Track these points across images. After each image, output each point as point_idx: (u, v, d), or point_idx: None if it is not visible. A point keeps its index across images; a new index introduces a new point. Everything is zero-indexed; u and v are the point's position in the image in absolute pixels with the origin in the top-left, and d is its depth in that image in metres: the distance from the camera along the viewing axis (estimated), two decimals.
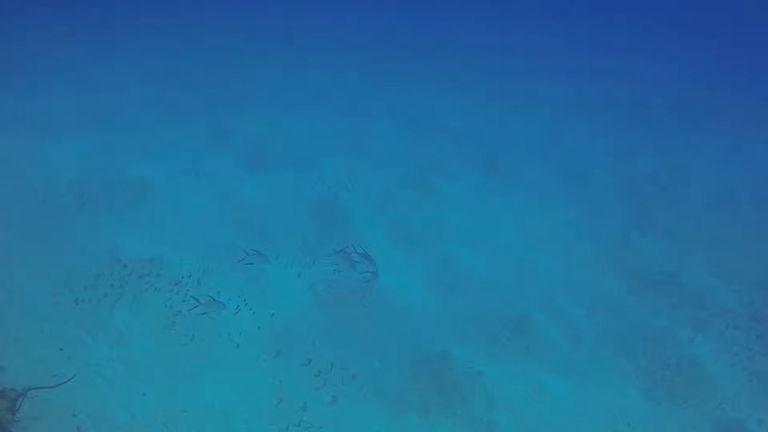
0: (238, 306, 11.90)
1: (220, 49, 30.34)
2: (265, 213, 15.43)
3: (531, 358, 11.57)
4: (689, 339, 12.80)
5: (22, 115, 19.02)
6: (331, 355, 11.06)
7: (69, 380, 9.07)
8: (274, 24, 38.27)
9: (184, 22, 35.72)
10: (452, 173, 18.99)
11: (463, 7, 48.21)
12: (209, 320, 11.32)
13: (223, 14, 39.15)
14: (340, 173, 18.03)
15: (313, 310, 12.27)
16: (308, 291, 12.81)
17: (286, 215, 15.50)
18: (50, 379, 9.16)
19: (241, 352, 10.89)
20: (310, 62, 29.60)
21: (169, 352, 10.59)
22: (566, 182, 19.93)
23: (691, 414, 10.95)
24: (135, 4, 37.62)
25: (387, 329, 11.87)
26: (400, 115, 23.75)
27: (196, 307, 11.30)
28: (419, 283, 13.48)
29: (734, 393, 11.60)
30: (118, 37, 30.78)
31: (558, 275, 14.53)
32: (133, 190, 15.37)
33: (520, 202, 17.90)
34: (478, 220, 16.46)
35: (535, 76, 32.90)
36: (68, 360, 9.74)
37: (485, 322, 12.33)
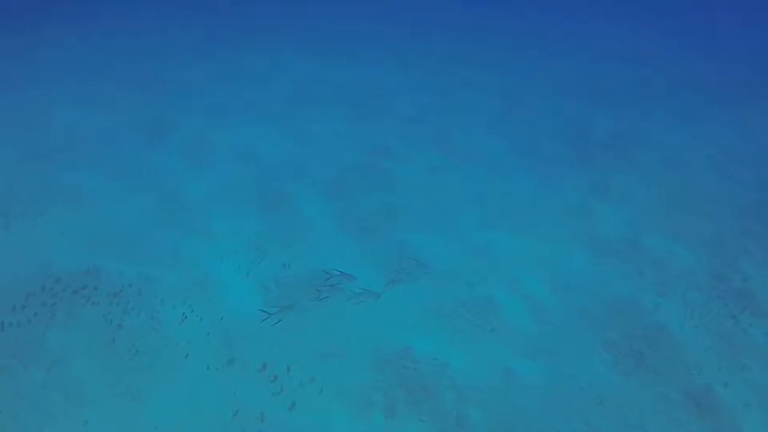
0: (184, 313, 11.12)
1: (157, 41, 28.89)
2: (209, 211, 14.58)
3: (497, 343, 11.13)
4: (654, 305, 12.58)
5: None
6: (287, 358, 10.42)
7: None
8: (210, 12, 36.75)
9: (117, 12, 33.94)
10: (403, 155, 18.36)
11: None
12: (153, 331, 10.55)
13: (158, 5, 37.40)
14: (285, 163, 17.23)
15: (267, 311, 11.57)
16: (259, 290, 12.10)
17: (230, 212, 14.67)
18: None
19: (191, 362, 10.16)
20: (248, 49, 28.43)
21: (111, 370, 9.79)
22: (522, 156, 19.53)
23: (662, 384, 10.71)
24: None
25: (345, 325, 11.27)
26: (346, 98, 22.96)
27: (328, 279, 10.81)
28: (376, 274, 12.88)
29: (700, 357, 11.45)
30: (44, 29, 28.98)
31: (520, 252, 14.13)
32: (64, 198, 14.34)
33: (476, 179, 17.41)
34: (434, 203, 15.90)
35: (490, 51, 32.44)
36: None
37: (448, 309, 11.83)
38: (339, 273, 11.78)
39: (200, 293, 11.75)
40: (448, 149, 19.25)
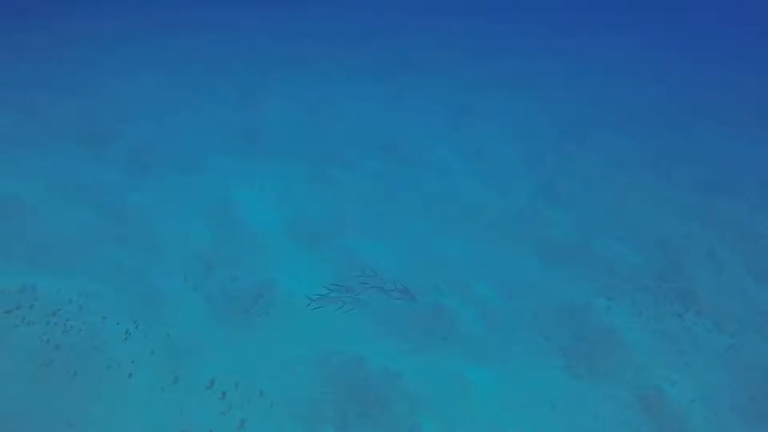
0: (128, 331, 10.67)
1: (92, 50, 28.00)
2: (152, 224, 14.11)
3: (449, 351, 11.06)
4: (604, 308, 12.74)
5: None
6: (235, 373, 10.10)
7: None
8: (149, 19, 35.93)
9: (50, 18, 32.80)
10: (351, 162, 18.21)
11: None
12: (94, 351, 10.07)
13: (93, 16, 36.33)
14: (232, 172, 16.85)
15: (213, 325, 11.22)
16: (206, 304, 11.73)
17: (175, 224, 14.24)
18: None
19: (134, 383, 9.73)
20: (192, 57, 27.84)
21: (48, 396, 9.28)
22: (470, 161, 19.65)
23: (613, 385, 10.82)
24: None
25: (295, 336, 11.01)
26: (293, 105, 22.68)
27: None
28: (326, 283, 12.67)
29: (648, 357, 11.63)
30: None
31: (470, 259, 14.14)
32: None
33: (425, 186, 17.40)
34: (382, 210, 15.80)
35: (438, 57, 32.63)
36: None
37: (398, 317, 11.71)
38: (336, 287, 11.21)
39: (145, 309, 11.30)
40: (395, 156, 19.20)
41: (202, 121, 20.32)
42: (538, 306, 12.73)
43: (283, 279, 12.15)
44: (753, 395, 11.09)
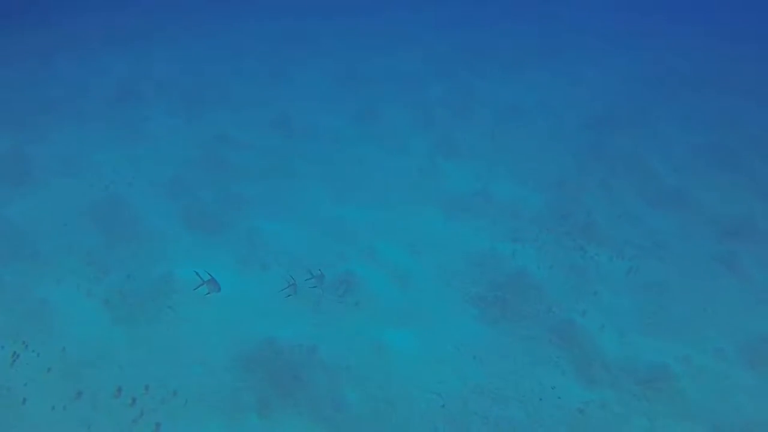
0: (15, 352, 9.78)
1: None
2: (36, 232, 13.00)
3: (363, 317, 10.91)
4: (511, 252, 12.98)
5: None
6: (144, 375, 9.50)
7: None
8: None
9: None
10: (243, 142, 17.51)
11: None
12: None
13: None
14: (117, 168, 15.78)
15: (114, 329, 10.50)
16: (104, 308, 10.96)
17: (62, 230, 13.20)
18: None
19: (30, 407, 8.94)
20: (58, 55, 25.75)
21: None
22: (362, 125, 19.39)
23: (528, 326, 11.08)
24: None
25: (202, 327, 10.50)
26: (175, 91, 21.50)
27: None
28: (228, 268, 12.15)
29: (559, 293, 11.99)
30: None
31: (373, 222, 13.99)
32: None
33: (319, 157, 17.02)
34: (279, 187, 15.32)
35: (319, 27, 31.92)
36: None
37: (306, 291, 11.39)
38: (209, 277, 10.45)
39: (34, 325, 10.39)
40: (287, 130, 18.65)
41: (81, 121, 18.87)
42: (446, 259, 12.79)
43: (183, 270, 11.51)
44: (652, 311, 11.69)
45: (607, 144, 18.41)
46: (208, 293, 9.55)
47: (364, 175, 16.06)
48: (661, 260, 13.21)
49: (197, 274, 9.69)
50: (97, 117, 19.22)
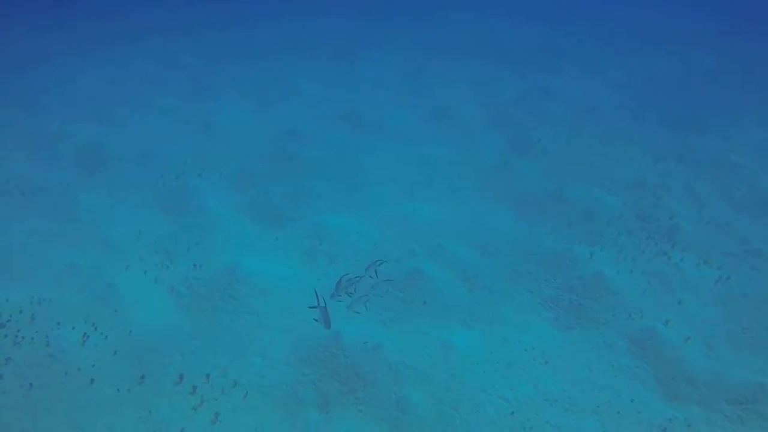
0: (86, 334, 9.88)
1: (33, 53, 26.62)
2: (107, 220, 13.26)
3: (430, 315, 10.46)
4: (588, 255, 12.23)
5: None
6: (205, 364, 9.40)
7: None
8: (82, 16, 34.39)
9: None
10: (310, 137, 17.40)
11: None
12: (51, 360, 9.31)
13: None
14: (187, 160, 15.95)
15: (178, 316, 10.48)
16: (169, 296, 10.98)
17: (132, 217, 13.41)
18: None
19: (97, 388, 8.99)
20: (139, 52, 26.52)
21: (1, 413, 8.51)
22: (433, 122, 18.96)
23: (605, 333, 10.35)
24: None
25: (264, 320, 10.32)
26: (246, 86, 21.69)
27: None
28: (293, 261, 11.96)
29: (639, 300, 11.17)
30: None
31: (443, 219, 13.53)
32: None
33: (390, 152, 16.69)
34: (347, 181, 15.07)
35: (385, 26, 31.72)
36: None
37: (373, 287, 11.03)
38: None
39: (103, 308, 10.50)
40: (356, 125, 18.42)
41: (153, 114, 19.28)
42: (518, 260, 12.17)
43: (248, 262, 11.41)
44: (745, 325, 10.69)
45: (690, 145, 17.29)
46: (316, 320, 8.77)
47: (432, 172, 15.62)
48: (755, 269, 12.14)
49: (316, 294, 8.89)
50: (170, 110, 19.60)
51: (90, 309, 10.48)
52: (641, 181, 15.26)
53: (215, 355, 9.55)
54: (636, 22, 33.05)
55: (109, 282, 11.11)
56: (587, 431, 8.56)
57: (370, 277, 9.96)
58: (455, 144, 17.38)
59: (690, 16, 34.38)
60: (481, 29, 30.80)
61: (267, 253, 12.10)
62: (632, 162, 16.63)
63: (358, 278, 9.14)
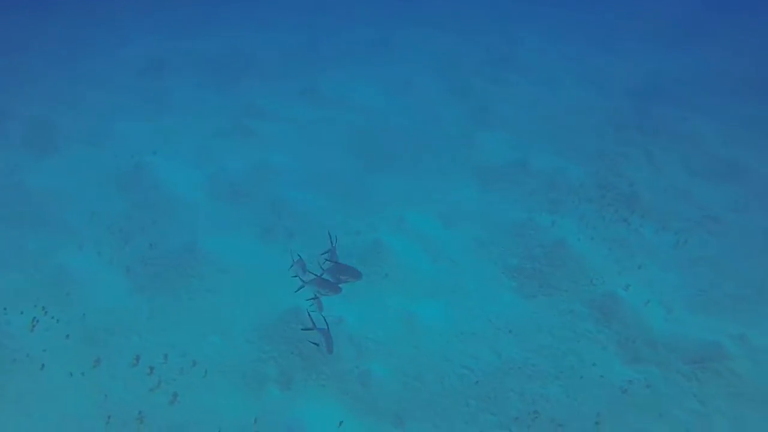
0: (35, 318, 9.51)
1: None
2: (59, 201, 12.76)
3: (393, 288, 10.35)
4: (550, 223, 12.25)
5: None
6: (163, 345, 9.14)
7: None
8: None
9: None
10: (270, 112, 17.00)
11: None
12: None
13: None
14: (142, 138, 15.44)
15: (134, 297, 10.17)
16: (125, 276, 10.64)
17: (85, 197, 12.93)
18: None
19: (48, 373, 8.67)
20: (91, 27, 25.57)
21: None
22: (388, 95, 18.71)
23: (567, 300, 10.39)
24: None
25: (224, 297, 10.08)
26: (204, 63, 21.09)
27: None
28: (251, 237, 11.70)
29: (600, 266, 11.23)
30: None
31: (405, 191, 13.40)
32: None
33: (350, 126, 16.43)
34: (306, 155, 14.79)
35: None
36: None
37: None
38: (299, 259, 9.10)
39: (54, 292, 10.12)
40: (316, 99, 18.08)
41: (106, 91, 18.61)
42: (480, 230, 12.13)
43: (206, 240, 11.11)
44: (702, 287, 10.86)
45: (651, 114, 17.43)
46: (316, 344, 8.05)
47: (393, 144, 15.42)
48: (711, 234, 12.34)
49: (309, 315, 8.23)
50: (125, 87, 18.96)
51: (40, 292, 10.09)
52: (602, 151, 15.34)
53: (173, 335, 9.30)
54: None
55: (61, 264, 10.71)
56: (551, 397, 8.59)
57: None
58: (417, 116, 17.20)
59: None
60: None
61: (225, 230, 11.80)
62: (594, 131, 16.69)
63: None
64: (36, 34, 24.15)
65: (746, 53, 23.47)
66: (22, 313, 9.56)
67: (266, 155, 14.48)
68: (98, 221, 12.18)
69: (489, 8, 29.35)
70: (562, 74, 20.87)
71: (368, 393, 8.39)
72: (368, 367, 8.61)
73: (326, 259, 8.18)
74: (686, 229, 12.50)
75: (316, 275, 7.82)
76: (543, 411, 8.33)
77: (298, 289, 8.10)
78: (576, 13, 29.23)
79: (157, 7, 28.58)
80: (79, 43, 23.35)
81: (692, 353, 9.23)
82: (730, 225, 12.64)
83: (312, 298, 8.05)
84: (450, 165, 14.60)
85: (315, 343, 8.23)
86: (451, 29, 25.73)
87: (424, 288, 10.43)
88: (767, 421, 8.24)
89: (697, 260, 11.57)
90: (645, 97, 18.95)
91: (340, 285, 7.81)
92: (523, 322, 9.88)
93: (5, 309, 9.61)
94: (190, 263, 10.60)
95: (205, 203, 12.78)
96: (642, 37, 25.48)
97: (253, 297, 10.05)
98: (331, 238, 8.63)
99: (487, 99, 18.21)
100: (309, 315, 8.21)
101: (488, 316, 9.99)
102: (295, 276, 8.19)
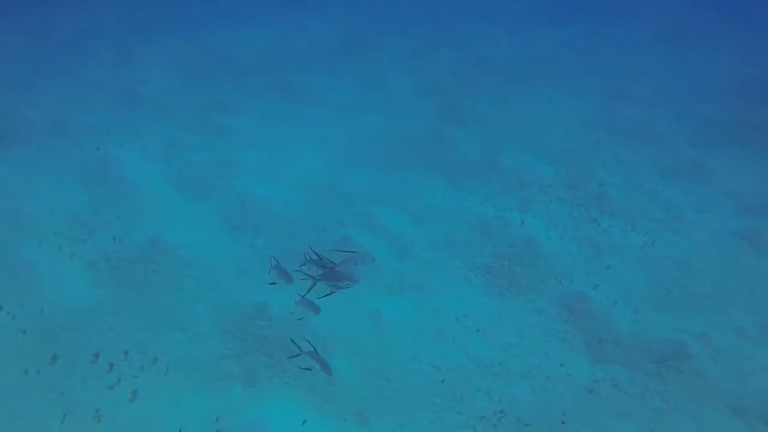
0: None
1: None
2: (18, 194, 12.38)
3: (359, 285, 10.20)
4: (520, 222, 12.24)
5: None
6: (124, 341, 8.91)
7: None
8: None
9: None
10: (239, 107, 16.72)
11: None
12: None
13: None
14: (109, 131, 15.07)
15: (96, 292, 9.91)
16: (87, 271, 10.35)
17: (47, 190, 12.56)
18: None
19: (2, 370, 8.39)
20: (61, 19, 24.94)
21: None
22: (368, 91, 18.58)
23: (536, 299, 10.40)
24: None
25: (188, 293, 9.87)
26: (174, 56, 20.70)
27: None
28: (218, 232, 11.48)
29: (569, 265, 11.28)
30: None
31: (374, 188, 13.27)
32: None
33: (321, 122, 16.25)
34: (275, 151, 14.56)
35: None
36: None
37: (299, 256, 10.69)
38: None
39: (10, 286, 9.81)
40: (286, 95, 17.87)
41: (74, 83, 18.15)
42: (450, 228, 12.07)
43: (171, 234, 10.87)
44: (668, 287, 10.95)
45: (621, 115, 17.57)
46: (309, 369, 7.80)
47: (365, 140, 15.29)
48: (678, 234, 12.46)
49: (294, 342, 7.89)
50: (93, 80, 18.51)
51: None
52: (572, 150, 15.41)
53: (135, 331, 9.06)
54: None
55: (18, 258, 10.40)
56: (518, 396, 8.56)
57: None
58: (387, 113, 17.08)
59: None
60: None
61: (191, 225, 11.56)
62: (565, 131, 16.75)
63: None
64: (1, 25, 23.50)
65: (739, 55, 23.81)
66: None
67: (235, 151, 14.24)
68: (60, 214, 11.84)
69: (463, 8, 29.34)
70: (533, 74, 20.93)
71: (333, 391, 8.28)
72: (334, 365, 8.49)
73: (339, 251, 8.06)
74: (653, 230, 12.60)
75: (324, 269, 7.66)
76: (509, 410, 8.30)
77: (309, 290, 7.96)
78: (548, 15, 29.39)
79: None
80: (46, 36, 22.76)
81: (657, 353, 9.30)
82: (695, 225, 12.79)
83: (327, 294, 7.87)
84: (420, 162, 14.52)
85: (307, 369, 8.07)
86: (425, 27, 25.67)
87: (390, 285, 10.33)
88: (728, 419, 8.33)
89: (663, 260, 11.66)
90: (615, 97, 19.10)
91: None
92: (491, 321, 9.85)
93: None
94: (154, 258, 10.36)
95: (171, 198, 12.51)
96: (618, 41, 25.70)
97: (217, 293, 9.85)
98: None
99: (459, 97, 18.17)
100: (293, 340, 8.01)
101: (456, 314, 9.94)
102: (273, 283, 8.09)
